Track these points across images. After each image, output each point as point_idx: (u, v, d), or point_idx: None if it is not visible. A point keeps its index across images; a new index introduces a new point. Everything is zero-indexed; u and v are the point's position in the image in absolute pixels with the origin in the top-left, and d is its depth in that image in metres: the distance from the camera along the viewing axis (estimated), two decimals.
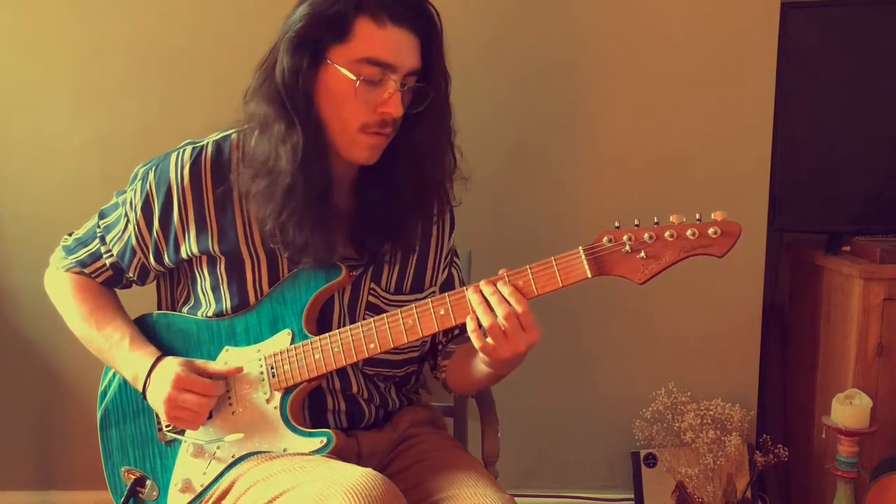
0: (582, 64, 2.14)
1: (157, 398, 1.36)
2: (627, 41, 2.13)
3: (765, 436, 2.08)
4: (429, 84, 1.33)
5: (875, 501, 1.89)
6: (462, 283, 1.56)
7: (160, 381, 1.36)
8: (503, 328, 1.23)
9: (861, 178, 2.17)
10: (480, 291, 1.26)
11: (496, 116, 2.12)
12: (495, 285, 1.26)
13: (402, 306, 1.36)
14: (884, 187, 2.15)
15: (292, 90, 1.28)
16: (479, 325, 1.25)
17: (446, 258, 1.53)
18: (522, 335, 1.24)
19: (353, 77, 1.27)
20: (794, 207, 2.18)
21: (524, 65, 2.13)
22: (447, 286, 1.52)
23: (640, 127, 2.16)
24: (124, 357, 1.43)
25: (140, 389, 1.40)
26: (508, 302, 1.24)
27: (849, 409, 1.93)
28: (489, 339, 1.24)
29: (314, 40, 1.28)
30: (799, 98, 2.13)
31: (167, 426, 1.44)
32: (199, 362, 1.39)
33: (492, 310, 1.24)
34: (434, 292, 1.50)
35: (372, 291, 1.44)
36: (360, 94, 1.28)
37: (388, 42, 1.27)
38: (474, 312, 1.26)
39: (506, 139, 2.15)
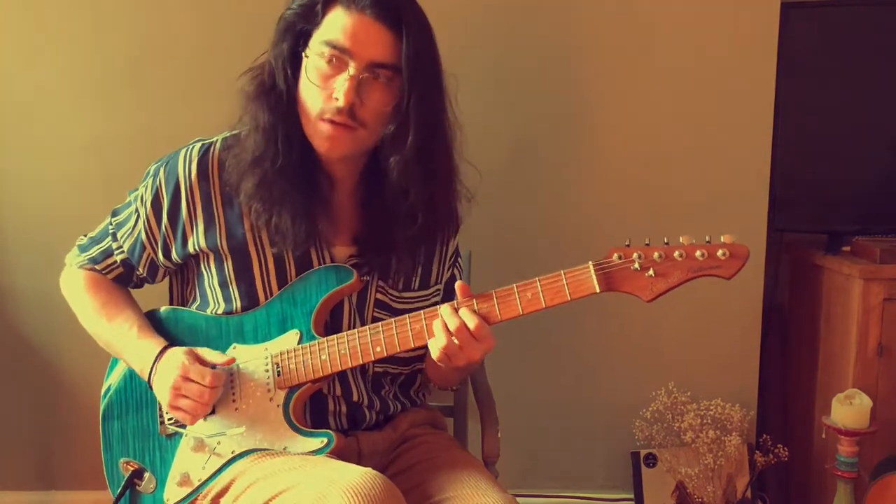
0: (582, 64, 2.14)
1: (162, 387, 1.37)
2: (627, 42, 2.13)
3: (765, 436, 2.08)
4: (411, 86, 1.30)
5: (875, 501, 1.90)
6: None
7: (166, 369, 1.37)
8: (457, 344, 1.27)
9: (861, 178, 2.17)
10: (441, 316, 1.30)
11: (496, 117, 2.12)
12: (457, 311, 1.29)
13: (410, 303, 1.42)
14: (884, 187, 2.16)
15: (272, 81, 1.33)
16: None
17: (451, 258, 1.54)
18: (476, 345, 1.28)
19: (308, 56, 1.31)
20: (794, 207, 2.19)
21: (525, 66, 2.13)
22: (450, 285, 1.53)
23: (639, 127, 2.16)
24: (132, 345, 1.43)
25: (146, 378, 1.41)
26: (465, 324, 1.27)
27: (849, 409, 1.93)
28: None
29: (296, 30, 1.33)
30: (799, 98, 2.13)
31: (169, 419, 1.44)
32: (202, 351, 1.39)
33: (447, 331, 1.28)
34: (439, 290, 1.51)
35: (380, 289, 1.44)
36: (316, 77, 1.30)
37: (350, 27, 1.29)
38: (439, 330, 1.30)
39: (505, 140, 2.14)
